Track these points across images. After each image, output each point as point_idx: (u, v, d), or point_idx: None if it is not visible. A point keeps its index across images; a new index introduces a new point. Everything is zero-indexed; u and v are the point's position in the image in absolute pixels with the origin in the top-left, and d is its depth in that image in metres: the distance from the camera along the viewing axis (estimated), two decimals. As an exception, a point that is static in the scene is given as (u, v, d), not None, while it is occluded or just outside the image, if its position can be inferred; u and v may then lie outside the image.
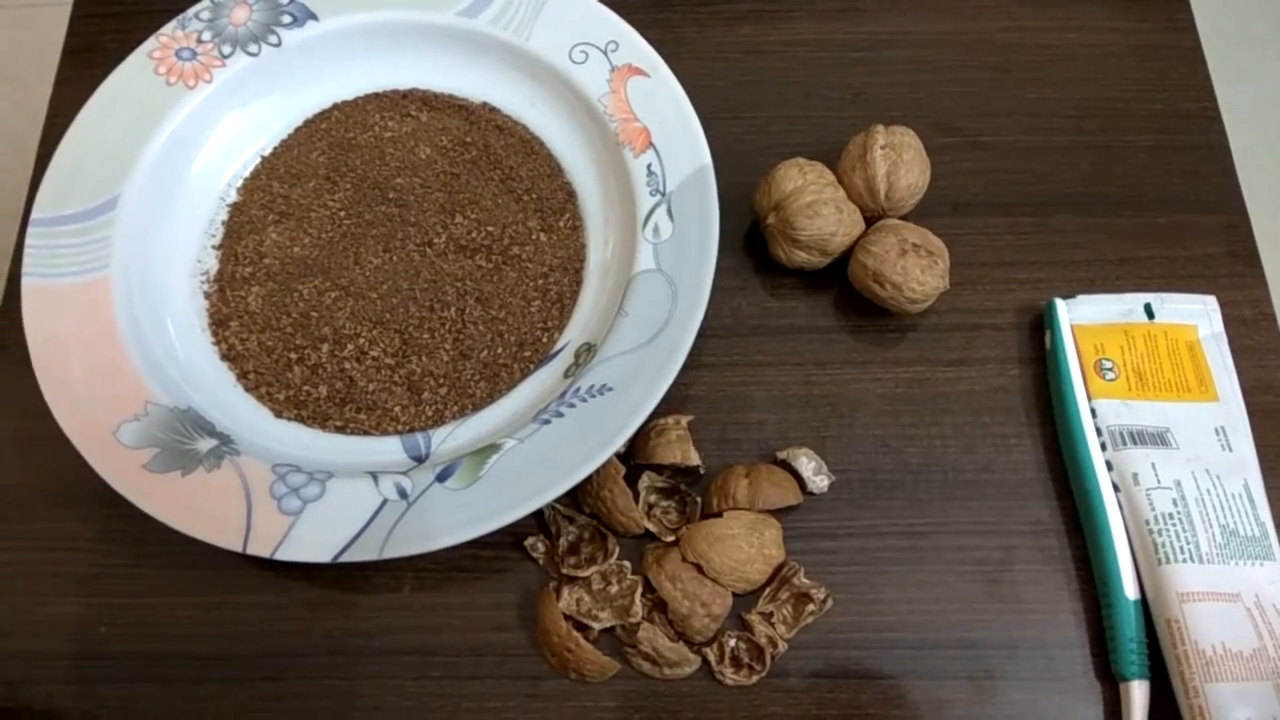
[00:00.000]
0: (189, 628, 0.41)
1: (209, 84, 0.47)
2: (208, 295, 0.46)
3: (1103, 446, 0.42)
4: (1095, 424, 0.43)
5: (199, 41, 0.48)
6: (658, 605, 0.40)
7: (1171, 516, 0.40)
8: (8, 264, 0.48)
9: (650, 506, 0.42)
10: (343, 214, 0.47)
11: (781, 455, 0.43)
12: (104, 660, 0.41)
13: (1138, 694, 0.38)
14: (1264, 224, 0.50)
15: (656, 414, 0.41)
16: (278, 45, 0.48)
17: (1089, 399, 0.43)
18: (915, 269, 0.43)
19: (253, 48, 0.48)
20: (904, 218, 0.46)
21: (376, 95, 0.50)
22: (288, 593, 0.42)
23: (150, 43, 0.48)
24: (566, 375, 0.43)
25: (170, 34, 0.48)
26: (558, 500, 0.41)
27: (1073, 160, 0.49)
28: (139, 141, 0.46)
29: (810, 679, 0.40)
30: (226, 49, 0.48)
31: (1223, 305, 0.45)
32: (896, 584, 0.41)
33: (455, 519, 0.39)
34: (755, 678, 0.40)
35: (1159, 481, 0.41)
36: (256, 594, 0.42)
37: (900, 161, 0.44)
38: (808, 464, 0.42)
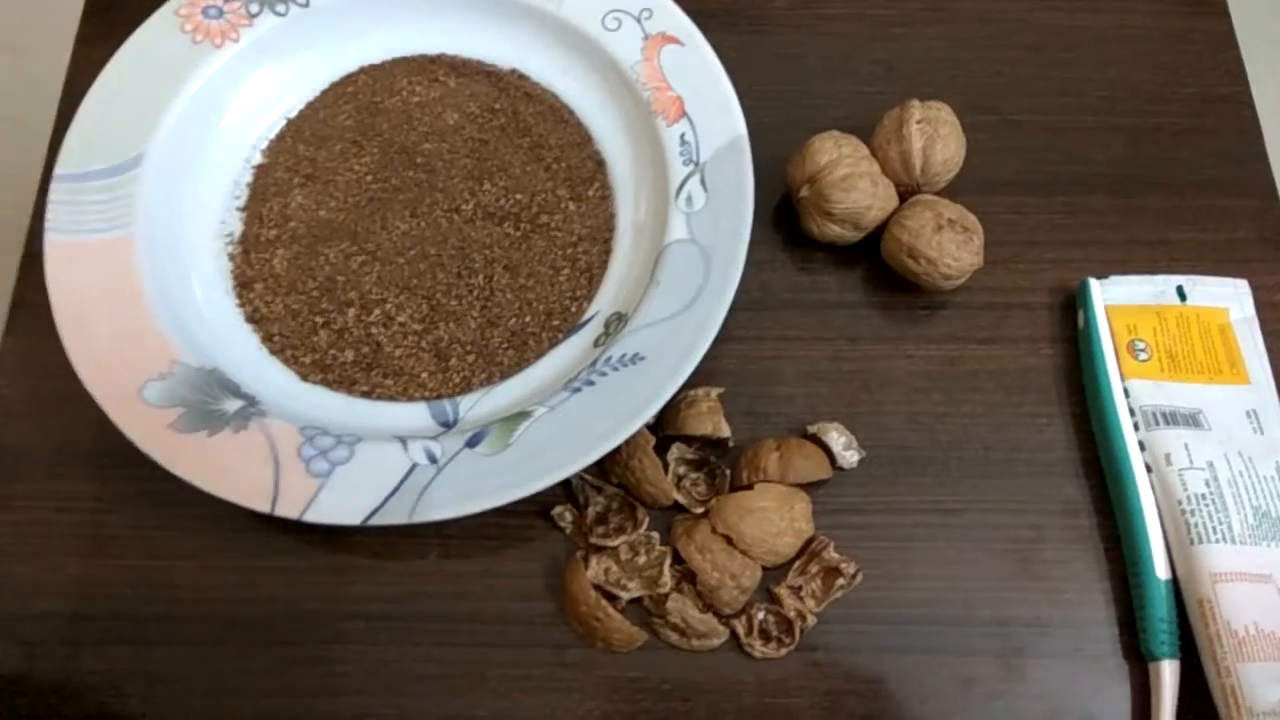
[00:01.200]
0: (212, 591, 0.41)
1: (236, 43, 0.46)
2: (232, 257, 0.45)
3: (1135, 427, 0.42)
4: (1128, 404, 0.42)
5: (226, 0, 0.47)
6: (686, 576, 0.40)
7: (1204, 497, 0.40)
8: (12, 233, 0.47)
9: (679, 478, 0.42)
10: (369, 178, 0.46)
11: (812, 429, 0.42)
12: (125, 622, 0.40)
13: (1168, 673, 0.38)
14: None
15: (687, 385, 0.40)
16: (306, 5, 0.47)
17: (1122, 379, 0.43)
18: (951, 245, 0.42)
19: (281, 7, 0.47)
20: (937, 194, 0.45)
21: (404, 59, 0.49)
22: (311, 558, 0.41)
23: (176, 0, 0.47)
24: (596, 345, 0.43)
25: (197, -9, 0.47)
26: (586, 470, 0.40)
27: (1105, 141, 0.49)
28: (164, 99, 0.45)
29: (838, 653, 0.40)
30: (254, 8, 0.47)
31: (1254, 289, 0.45)
32: (926, 560, 0.41)
33: (485, 485, 0.38)
34: (783, 650, 0.39)
35: (1191, 462, 0.41)
36: (280, 558, 0.41)
37: (936, 136, 0.44)
38: (838, 439, 0.42)
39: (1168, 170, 0.49)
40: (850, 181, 0.43)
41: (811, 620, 0.40)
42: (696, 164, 0.44)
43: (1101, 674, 0.39)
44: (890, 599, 0.41)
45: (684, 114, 0.45)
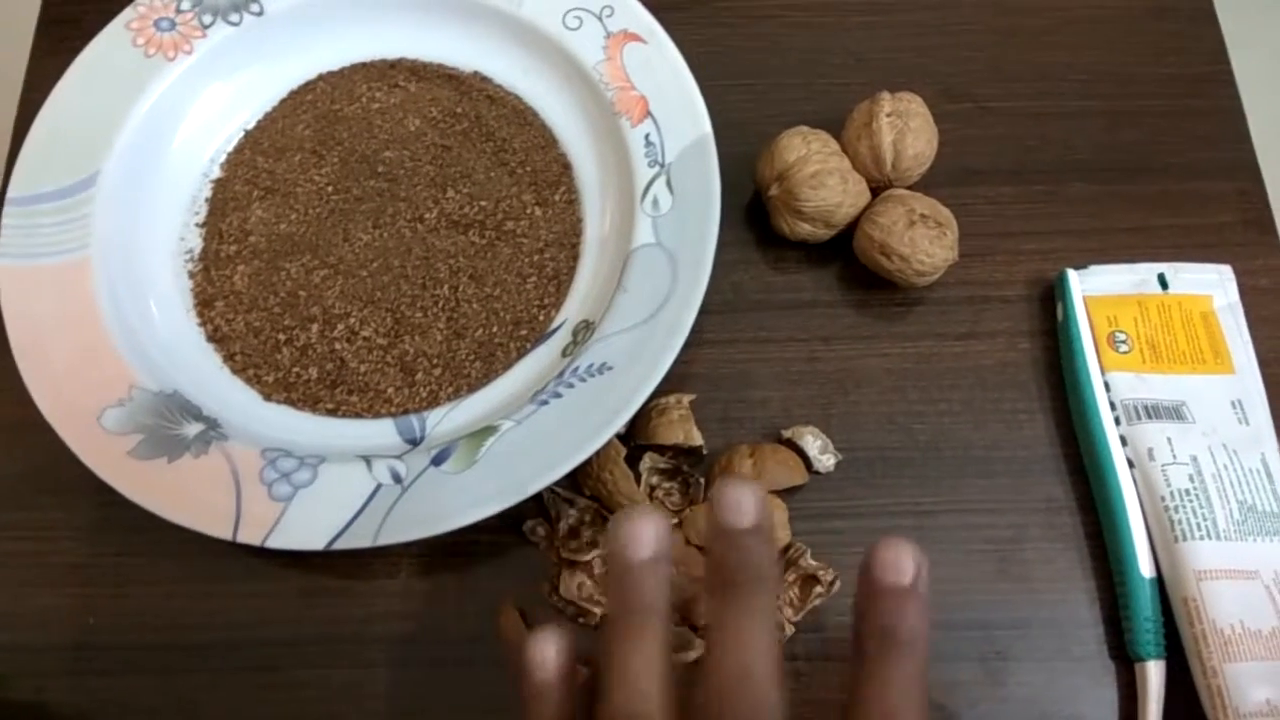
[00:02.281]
0: (180, 617, 0.40)
1: (189, 55, 0.45)
2: (192, 275, 0.44)
3: (1116, 421, 0.41)
4: (1109, 398, 0.41)
5: (178, 11, 0.46)
6: (661, 589, 0.39)
7: (1188, 493, 0.39)
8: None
9: (652, 488, 0.41)
10: (330, 189, 0.45)
11: (786, 434, 0.42)
12: (93, 652, 0.40)
13: (1154, 674, 0.37)
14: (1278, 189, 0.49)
15: (657, 393, 0.40)
16: (260, 14, 0.46)
17: (1102, 372, 0.42)
18: (923, 240, 0.41)
19: (234, 17, 0.46)
20: (911, 187, 0.44)
21: (363, 65, 0.48)
22: (281, 580, 0.40)
23: (128, 13, 0.46)
24: (564, 354, 0.42)
25: (148, 3, 0.46)
26: (557, 483, 0.39)
27: (1083, 126, 0.48)
28: (118, 116, 0.44)
29: (818, 662, 0.39)
30: (207, 18, 0.46)
31: (1238, 274, 0.44)
32: (905, 564, 0.40)
33: (452, 503, 0.37)
34: (762, 662, 0.39)
35: (1175, 457, 0.40)
36: (249, 582, 0.40)
37: (907, 129, 0.43)
38: (813, 442, 0.41)
39: (1148, 154, 0.47)
40: (819, 179, 0.42)
41: (790, 629, 0.39)
42: (662, 165, 0.43)
43: (1086, 676, 0.39)
44: (870, 605, 0.40)
45: (648, 114, 0.44)
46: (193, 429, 0.39)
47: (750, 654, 0.25)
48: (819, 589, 0.39)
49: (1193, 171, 0.47)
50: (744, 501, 0.27)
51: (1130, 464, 0.40)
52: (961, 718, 0.38)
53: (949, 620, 0.39)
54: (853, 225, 0.43)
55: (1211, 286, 0.44)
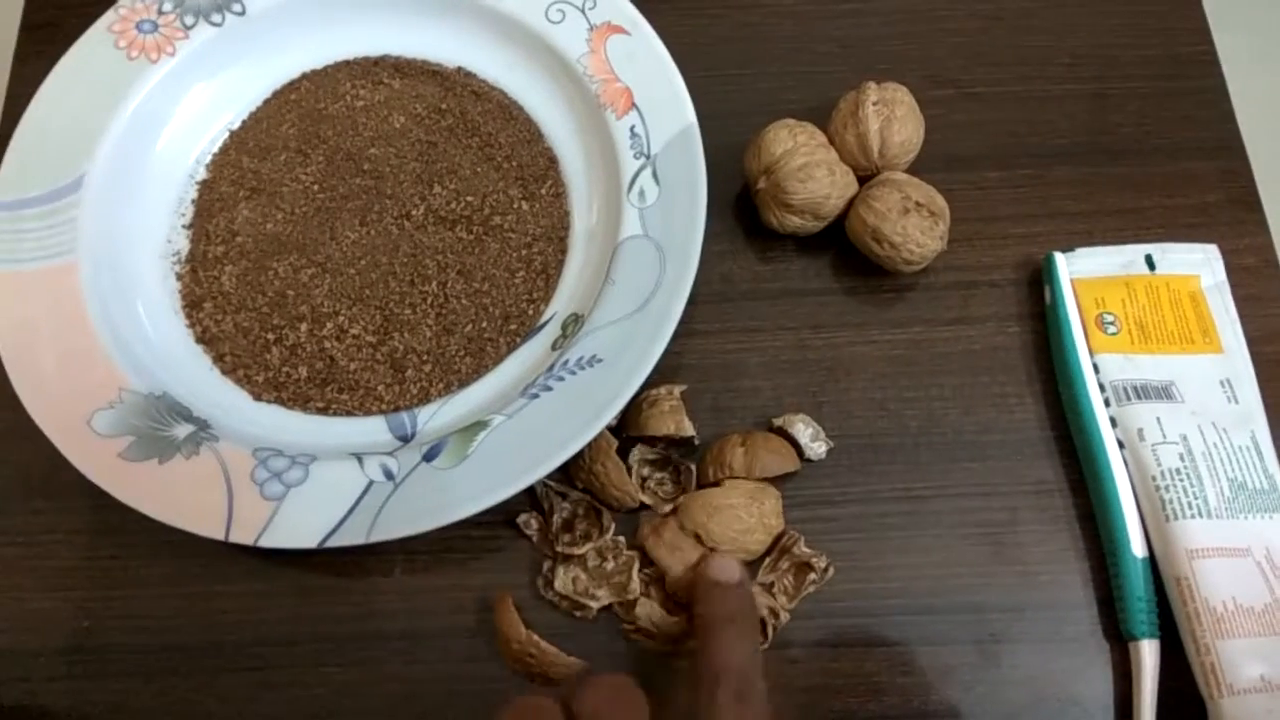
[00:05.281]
0: (174, 619, 0.40)
1: (172, 57, 0.45)
2: (180, 276, 0.44)
3: (1106, 403, 0.41)
4: (1098, 379, 0.41)
5: (160, 12, 0.46)
6: (655, 580, 0.39)
7: (1178, 472, 0.39)
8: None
9: (644, 479, 0.41)
10: (316, 188, 0.45)
11: (778, 422, 0.42)
12: (88, 655, 0.40)
13: (1148, 654, 0.38)
14: (1264, 168, 0.49)
15: (648, 384, 0.40)
16: (242, 14, 0.46)
17: (1091, 354, 0.42)
18: (915, 230, 0.41)
19: (216, 17, 0.46)
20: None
21: (347, 63, 0.48)
22: (274, 579, 0.40)
23: (109, 15, 0.46)
24: (554, 348, 0.42)
25: (130, 5, 0.46)
26: (549, 476, 0.39)
27: (1068, 109, 0.48)
28: (102, 120, 0.44)
29: (813, 648, 0.39)
30: (189, 19, 0.46)
31: (1225, 253, 0.44)
32: (898, 549, 0.40)
33: (444, 499, 0.37)
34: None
35: (1164, 436, 0.40)
36: (242, 582, 0.40)
37: (893, 117, 0.43)
38: (804, 430, 0.41)
39: (1133, 136, 0.47)
40: (807, 171, 0.42)
41: (785, 617, 0.39)
42: (648, 157, 0.43)
43: (1081, 656, 0.39)
44: (864, 591, 0.40)
45: (633, 105, 0.44)
46: (183, 430, 0.39)
47: (724, 654, 0.33)
48: (812, 576, 0.39)
49: (1178, 152, 0.47)
50: (729, 566, 0.36)
51: (1120, 444, 0.40)
52: (957, 701, 0.38)
53: (943, 605, 0.40)
54: (842, 215, 0.43)
55: (1198, 266, 0.44)
